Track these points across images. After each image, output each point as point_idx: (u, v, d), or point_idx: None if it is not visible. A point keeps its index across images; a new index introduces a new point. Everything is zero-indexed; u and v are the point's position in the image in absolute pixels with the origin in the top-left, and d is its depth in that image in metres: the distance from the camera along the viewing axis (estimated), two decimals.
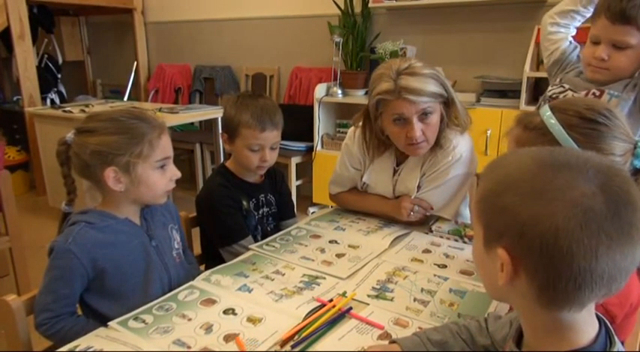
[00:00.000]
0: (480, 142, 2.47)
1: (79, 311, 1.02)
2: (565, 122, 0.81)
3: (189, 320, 0.93)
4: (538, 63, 2.61)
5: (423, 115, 1.25)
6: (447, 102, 1.29)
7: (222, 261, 1.20)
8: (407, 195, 1.41)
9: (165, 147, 1.03)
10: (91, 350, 0.82)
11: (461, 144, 1.33)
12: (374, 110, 1.31)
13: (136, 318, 0.94)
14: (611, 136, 0.79)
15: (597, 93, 1.22)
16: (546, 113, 0.83)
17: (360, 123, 1.40)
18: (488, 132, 2.49)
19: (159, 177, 1.03)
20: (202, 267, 1.37)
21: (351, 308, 0.96)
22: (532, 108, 1.08)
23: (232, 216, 1.35)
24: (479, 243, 0.58)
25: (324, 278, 1.11)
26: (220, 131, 1.40)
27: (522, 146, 0.84)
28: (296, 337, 0.86)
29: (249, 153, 1.32)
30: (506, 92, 2.64)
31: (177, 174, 1.06)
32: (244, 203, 1.38)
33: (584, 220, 0.48)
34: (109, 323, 0.91)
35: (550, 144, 0.78)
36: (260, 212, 1.44)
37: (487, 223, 0.56)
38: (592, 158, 0.53)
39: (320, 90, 3.08)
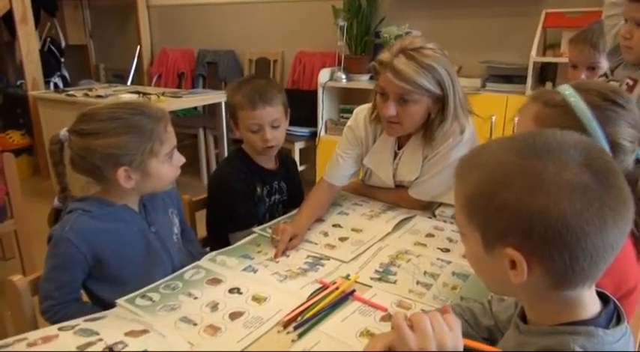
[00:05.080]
0: (485, 128, 2.45)
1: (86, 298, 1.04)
2: (588, 102, 0.79)
3: (196, 298, 0.95)
4: (545, 48, 2.59)
5: (403, 101, 1.24)
6: (442, 101, 1.25)
7: (228, 244, 1.21)
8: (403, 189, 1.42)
9: (171, 137, 1.03)
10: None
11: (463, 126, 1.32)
12: (374, 72, 1.31)
13: (143, 296, 0.96)
14: (625, 121, 0.79)
15: (631, 83, 1.19)
16: (566, 91, 0.81)
17: (374, 96, 1.36)
18: (493, 118, 2.48)
19: (168, 169, 1.03)
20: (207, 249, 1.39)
21: (354, 291, 0.97)
22: None
23: (245, 203, 1.36)
24: (476, 247, 0.57)
25: (328, 259, 1.12)
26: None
27: (543, 122, 0.82)
28: (299, 318, 0.88)
29: (250, 134, 1.33)
30: (512, 77, 2.62)
31: (182, 160, 1.07)
32: (258, 189, 1.40)
33: (586, 198, 0.49)
34: (117, 301, 0.93)
35: (571, 123, 0.78)
36: (272, 199, 1.45)
37: (484, 226, 0.55)
38: (565, 136, 0.55)
39: (324, 75, 3.06)
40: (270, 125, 1.32)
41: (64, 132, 1.01)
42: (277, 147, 1.38)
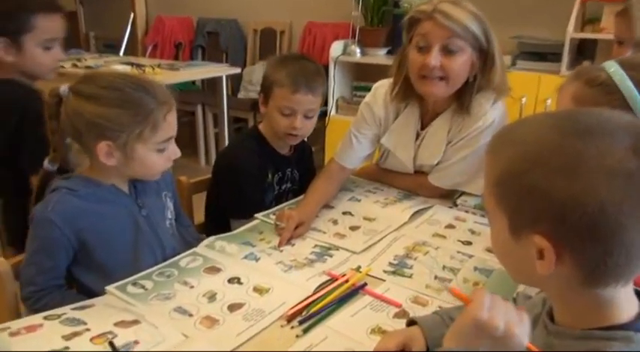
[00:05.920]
0: (513, 111, 2.41)
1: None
2: (637, 81, 0.79)
3: (192, 287, 0.95)
4: (583, 22, 2.54)
5: (447, 51, 1.23)
6: (485, 56, 1.26)
7: (228, 231, 1.21)
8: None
9: (169, 127, 1.02)
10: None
11: (493, 109, 1.32)
12: (406, 32, 1.31)
13: (135, 284, 0.96)
14: None
15: None
16: (612, 68, 0.81)
17: (395, 69, 1.37)
18: (523, 99, 2.45)
19: (156, 159, 1.02)
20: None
21: (365, 284, 0.97)
22: None
23: (254, 189, 1.37)
24: (502, 232, 0.57)
25: (338, 249, 1.12)
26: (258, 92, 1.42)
27: (582, 104, 0.82)
28: (304, 312, 0.88)
29: (280, 116, 1.33)
30: (545, 55, 2.59)
31: (177, 153, 1.06)
32: (269, 175, 1.40)
33: (628, 188, 0.48)
34: (107, 288, 0.94)
35: (616, 104, 0.77)
36: (283, 187, 1.45)
37: (513, 208, 0.55)
38: (616, 117, 0.53)
39: (336, 49, 3.03)
40: (304, 114, 1.33)
41: (64, 88, 1.01)
42: (301, 137, 1.40)
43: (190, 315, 0.87)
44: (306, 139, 1.51)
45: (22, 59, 1.35)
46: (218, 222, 1.38)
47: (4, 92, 1.33)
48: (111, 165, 0.99)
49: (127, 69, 2.80)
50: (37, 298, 0.97)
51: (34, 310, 0.97)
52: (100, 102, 0.96)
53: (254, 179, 1.37)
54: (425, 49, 1.24)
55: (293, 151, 1.47)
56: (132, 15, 4.19)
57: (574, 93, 0.84)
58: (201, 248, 1.11)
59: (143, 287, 0.95)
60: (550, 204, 0.51)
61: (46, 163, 1.07)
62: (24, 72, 1.38)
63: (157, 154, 1.02)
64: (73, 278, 1.04)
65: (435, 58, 1.22)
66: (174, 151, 1.05)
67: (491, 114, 1.31)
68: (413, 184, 1.45)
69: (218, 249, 1.10)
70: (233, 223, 1.33)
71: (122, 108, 0.96)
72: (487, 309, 0.55)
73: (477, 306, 0.55)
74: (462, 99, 1.31)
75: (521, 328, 0.55)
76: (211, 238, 1.14)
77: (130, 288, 0.94)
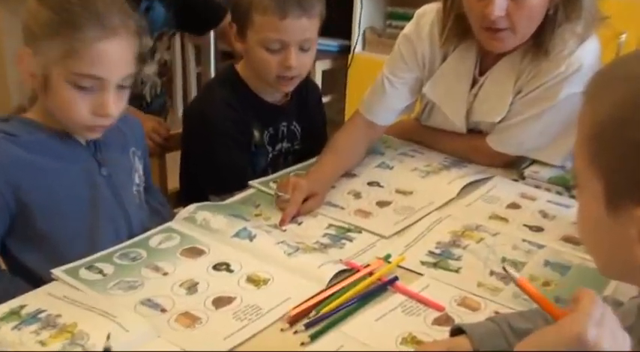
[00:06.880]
0: (608, 51, 2.35)
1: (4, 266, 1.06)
2: None
3: (165, 274, 0.97)
4: None
5: None
6: None
7: None
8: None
9: (98, 60, 0.97)
10: (43, 314, 0.85)
11: (581, 49, 1.29)
12: None
13: (90, 267, 0.97)
14: None
15: None
16: None
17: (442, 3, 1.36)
18: (623, 36, 2.40)
19: (72, 99, 0.99)
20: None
21: (396, 279, 0.98)
22: None
23: (233, 152, 1.37)
24: (594, 203, 0.57)
25: (360, 232, 1.13)
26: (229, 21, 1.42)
27: None
28: (313, 313, 0.88)
29: (266, 53, 1.31)
30: None
31: (106, 107, 0.99)
32: (256, 134, 1.40)
33: None
34: (54, 271, 0.95)
35: None
36: (277, 147, 1.46)
37: (612, 170, 0.55)
38: None
39: None
40: (299, 45, 1.31)
41: None
42: (298, 79, 1.39)
43: (163, 310, 0.88)
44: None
45: None
46: (194, 194, 1.39)
47: None
48: (31, 87, 1.01)
49: None
50: None
51: None
52: (42, 2, 0.99)
53: (231, 139, 1.37)
54: None
55: (289, 98, 1.46)
56: None
57: None
58: (178, 222, 1.12)
59: (101, 271, 0.96)
60: None
61: None
62: None
63: (75, 91, 0.98)
64: (8, 255, 1.05)
65: (498, 8, 1.19)
66: (103, 102, 0.99)
67: (579, 55, 1.29)
68: (465, 147, 1.45)
69: (200, 222, 1.12)
70: (212, 199, 1.33)
71: (54, 12, 0.97)
72: (596, 324, 0.54)
73: (587, 318, 0.54)
74: (540, 37, 1.29)
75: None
76: (191, 207, 1.16)
77: (84, 273, 0.95)
